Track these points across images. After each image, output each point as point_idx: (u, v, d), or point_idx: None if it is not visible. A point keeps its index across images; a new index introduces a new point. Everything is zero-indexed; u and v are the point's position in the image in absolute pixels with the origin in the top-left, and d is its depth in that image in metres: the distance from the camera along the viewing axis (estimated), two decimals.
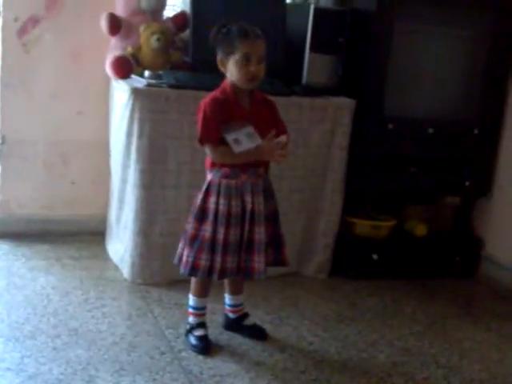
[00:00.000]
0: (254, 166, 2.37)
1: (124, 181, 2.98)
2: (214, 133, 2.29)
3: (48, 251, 3.23)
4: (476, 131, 3.29)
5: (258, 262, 2.37)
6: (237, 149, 2.28)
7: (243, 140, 2.28)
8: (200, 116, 2.31)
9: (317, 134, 3.10)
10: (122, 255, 3.03)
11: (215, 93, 2.34)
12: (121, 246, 3.05)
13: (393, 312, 2.97)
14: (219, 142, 2.31)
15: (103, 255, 3.24)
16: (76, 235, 3.39)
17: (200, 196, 2.37)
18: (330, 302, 3.00)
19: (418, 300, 3.11)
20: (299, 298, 3.00)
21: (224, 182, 2.35)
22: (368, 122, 3.15)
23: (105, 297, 2.80)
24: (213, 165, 2.36)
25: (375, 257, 3.25)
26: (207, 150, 2.34)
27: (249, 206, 2.36)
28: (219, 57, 2.32)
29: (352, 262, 3.28)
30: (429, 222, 3.40)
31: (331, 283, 3.21)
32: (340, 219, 3.24)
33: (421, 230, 3.36)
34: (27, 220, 3.35)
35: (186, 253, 2.38)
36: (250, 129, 2.30)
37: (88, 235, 3.40)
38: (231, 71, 2.30)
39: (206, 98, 2.33)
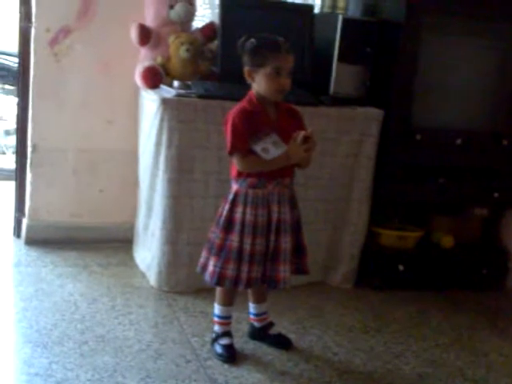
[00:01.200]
0: (279, 175, 2.38)
1: (152, 189, 3.01)
2: (243, 143, 2.32)
3: (76, 258, 3.27)
4: (505, 142, 3.27)
5: (284, 271, 2.39)
6: (266, 157, 2.31)
7: (270, 148, 2.31)
8: (229, 127, 2.33)
9: (344, 144, 3.11)
10: (149, 263, 3.06)
11: (243, 104, 2.37)
12: (148, 253, 3.08)
13: (419, 323, 2.95)
14: (248, 152, 2.33)
15: (130, 263, 3.27)
16: (103, 243, 3.43)
17: (226, 206, 2.39)
18: (355, 313, 2.99)
19: (444, 312, 3.10)
20: (324, 308, 3.01)
21: (250, 191, 2.36)
22: (395, 133, 3.15)
23: (131, 304, 2.83)
24: (239, 174, 2.38)
25: (401, 268, 3.24)
26: (236, 159, 2.36)
27: (275, 216, 2.38)
28: (247, 67, 2.34)
29: (378, 272, 3.27)
30: (456, 234, 3.38)
31: (356, 293, 3.20)
32: (366, 229, 3.23)
33: (448, 241, 3.35)
34: (56, 227, 3.40)
35: (212, 262, 2.40)
36: (275, 137, 2.33)
37: (115, 243, 3.43)
38: (260, 83, 2.32)
39: (234, 109, 2.35)
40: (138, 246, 3.28)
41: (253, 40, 2.33)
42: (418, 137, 3.15)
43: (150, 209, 3.06)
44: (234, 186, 2.40)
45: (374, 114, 3.13)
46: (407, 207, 3.41)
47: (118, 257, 3.33)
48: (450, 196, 3.32)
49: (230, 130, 2.32)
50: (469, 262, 3.38)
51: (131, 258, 3.31)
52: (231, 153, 2.35)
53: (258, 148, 2.31)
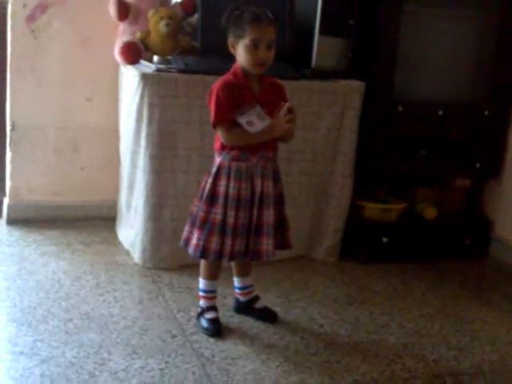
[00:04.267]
0: (263, 148, 2.38)
1: (134, 166, 2.99)
2: (227, 115, 2.30)
3: (59, 237, 3.24)
4: (486, 113, 3.28)
5: (267, 244, 2.39)
6: (251, 130, 2.30)
7: (255, 121, 2.30)
8: (212, 100, 2.32)
9: (327, 118, 3.09)
10: (132, 240, 3.04)
11: (227, 76, 2.35)
12: (131, 231, 3.06)
13: (403, 294, 2.97)
14: (232, 125, 2.31)
15: (114, 240, 3.25)
16: (86, 221, 3.40)
17: (209, 179, 2.38)
18: (339, 285, 3.01)
19: (428, 282, 3.11)
20: (309, 281, 3.01)
21: (234, 164, 2.35)
22: (378, 105, 3.15)
23: (116, 281, 2.82)
24: (222, 147, 2.37)
25: (385, 240, 3.25)
26: (221, 132, 2.34)
27: (258, 189, 2.37)
28: (230, 39, 2.33)
29: (362, 245, 3.28)
30: (439, 205, 3.39)
31: (341, 266, 3.21)
32: (350, 203, 3.24)
33: (431, 212, 3.35)
34: (38, 206, 3.37)
35: (195, 235, 2.39)
36: (259, 109, 2.32)
37: (98, 221, 3.41)
38: (240, 55, 2.31)
39: (218, 82, 2.34)
40: (121, 223, 3.26)
41: (236, 11, 2.31)
42: (400, 108, 3.14)
43: (132, 186, 3.04)
44: (217, 159, 2.39)
45: (356, 86, 3.12)
46: (391, 180, 3.40)
47: (102, 235, 3.31)
48: (432, 167, 3.34)
49: (214, 102, 2.31)
50: (452, 232, 3.40)
51: (114, 236, 3.29)
52: (215, 125, 2.34)
53: (242, 121, 2.29)
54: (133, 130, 2.93)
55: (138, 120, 2.87)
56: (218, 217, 2.35)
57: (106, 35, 3.21)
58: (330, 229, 3.23)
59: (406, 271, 3.22)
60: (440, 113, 3.20)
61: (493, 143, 3.38)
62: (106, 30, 3.21)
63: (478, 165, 3.36)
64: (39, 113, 3.30)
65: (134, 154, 2.96)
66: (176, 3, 3.25)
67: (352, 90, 3.11)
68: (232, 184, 2.35)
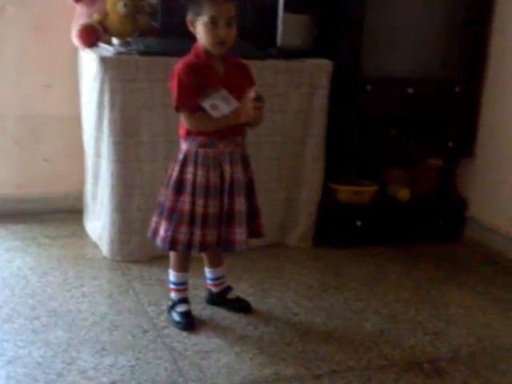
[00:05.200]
0: (231, 134, 2.29)
1: (98, 155, 2.89)
2: (190, 99, 2.21)
3: (24, 231, 3.13)
4: (457, 89, 3.22)
5: (240, 233, 2.31)
6: (215, 114, 2.20)
7: (220, 104, 2.21)
8: (174, 82, 2.22)
9: (295, 98, 3.01)
10: (100, 233, 2.95)
11: (188, 57, 2.25)
12: (98, 223, 2.97)
13: (378, 279, 2.92)
14: (196, 109, 2.22)
15: (81, 233, 3.15)
16: (52, 214, 3.29)
17: (176, 167, 2.29)
18: (314, 272, 2.95)
19: (403, 266, 3.07)
20: (283, 269, 2.96)
21: (201, 151, 2.26)
22: (346, 84, 3.07)
23: (84, 276, 2.72)
24: (188, 133, 2.28)
25: (359, 223, 3.19)
26: (184, 117, 2.25)
27: (228, 176, 2.29)
28: (189, 17, 2.23)
29: (335, 229, 3.22)
30: (412, 186, 3.34)
31: (315, 252, 3.16)
32: (322, 186, 3.17)
33: (404, 194, 3.30)
34: (1, 200, 3.25)
35: (163, 226, 2.30)
36: (225, 92, 2.23)
37: (65, 213, 3.30)
38: (200, 33, 2.21)
39: (179, 63, 2.24)
40: (88, 215, 3.16)
41: None
42: (369, 87, 3.07)
43: (96, 176, 2.94)
44: (183, 146, 2.30)
45: (324, 65, 3.04)
46: (362, 161, 3.34)
47: (68, 228, 3.21)
48: (403, 147, 3.28)
49: (176, 85, 2.21)
50: (425, 213, 3.36)
51: (82, 229, 3.19)
52: (178, 109, 2.24)
53: (206, 104, 2.20)
54: (95, 116, 2.82)
55: (99, 106, 2.77)
56: (187, 206, 2.26)
57: (63, 19, 3.08)
58: (302, 214, 3.17)
59: (381, 255, 3.17)
60: (409, 90, 3.13)
61: (465, 120, 3.32)
62: (63, 13, 3.08)
63: (450, 143, 3.30)
64: None
65: (97, 142, 2.86)
66: None
67: (319, 69, 3.03)
68: (200, 172, 2.26)
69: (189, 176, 2.26)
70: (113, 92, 2.70)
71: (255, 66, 2.62)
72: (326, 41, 3.10)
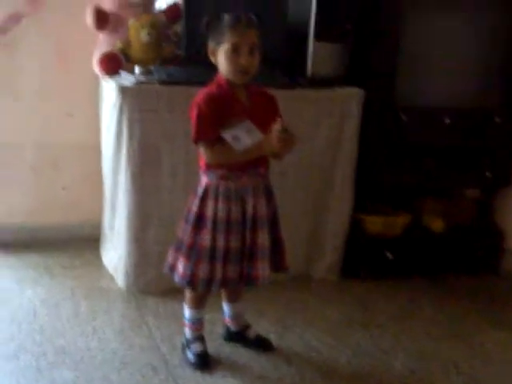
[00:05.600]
0: (254, 165, 2.17)
1: (115, 185, 2.81)
2: (210, 130, 2.09)
3: (37, 261, 3.04)
4: (497, 119, 3.07)
5: (263, 268, 2.19)
6: (237, 146, 2.08)
7: (243, 136, 2.08)
8: (194, 113, 2.11)
9: (324, 128, 2.91)
10: (116, 263, 2.85)
11: (210, 87, 2.15)
12: (115, 253, 2.88)
13: (408, 314, 2.76)
14: (216, 141, 2.11)
15: (97, 263, 3.05)
16: (68, 243, 3.20)
17: (196, 200, 2.17)
18: (340, 306, 2.79)
19: (436, 300, 2.91)
20: (307, 303, 2.81)
21: (222, 184, 2.15)
22: (379, 113, 2.96)
23: (97, 309, 2.62)
24: (208, 166, 2.16)
25: (389, 255, 3.04)
26: (203, 149, 2.13)
27: (250, 211, 2.17)
28: (210, 45, 2.13)
29: (364, 261, 3.07)
30: (447, 217, 3.19)
31: (342, 285, 3.00)
32: (350, 217, 3.04)
33: (438, 225, 3.15)
34: (16, 229, 3.18)
35: (182, 263, 2.19)
36: (249, 123, 2.11)
37: (81, 242, 3.20)
38: (221, 62, 2.11)
39: (200, 94, 2.13)
40: (105, 245, 3.07)
41: (214, 19, 2.11)
42: (403, 116, 2.95)
43: (114, 206, 2.86)
44: (204, 179, 2.18)
45: (355, 94, 2.93)
46: (394, 191, 3.19)
47: (84, 257, 3.12)
48: (439, 178, 3.13)
49: (196, 116, 2.10)
50: (461, 245, 3.19)
51: (98, 259, 3.09)
52: (196, 141, 2.13)
53: (228, 136, 2.08)
54: (113, 146, 2.75)
55: (118, 136, 2.69)
56: (207, 242, 2.14)
57: (86, 46, 3.02)
58: (329, 246, 3.04)
59: (413, 288, 3.00)
60: (447, 120, 3.00)
61: (503, 150, 3.16)
62: (85, 40, 3.02)
63: (488, 174, 3.14)
64: (15, 130, 3.11)
65: (115, 172, 2.78)
66: (159, 11, 3.08)
67: (350, 98, 2.92)
68: (221, 206, 2.14)
69: (209, 211, 2.15)
70: (131, 122, 2.63)
71: (283, 96, 2.53)
72: (358, 68, 2.99)
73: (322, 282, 3.01)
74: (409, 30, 2.90)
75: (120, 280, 2.80)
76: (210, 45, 2.13)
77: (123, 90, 2.62)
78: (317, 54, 2.92)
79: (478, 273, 3.20)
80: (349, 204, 3.02)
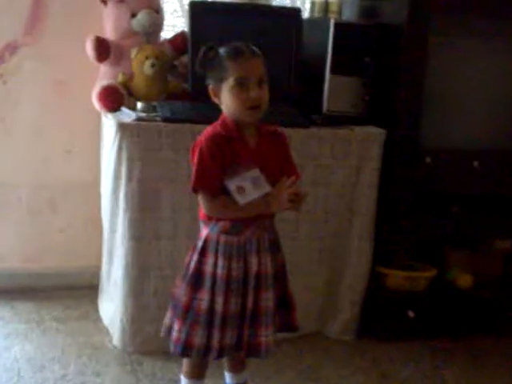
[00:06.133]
0: (258, 217, 1.92)
1: (113, 231, 2.57)
2: (212, 179, 1.85)
3: (30, 312, 2.79)
4: None
5: (266, 335, 1.93)
6: (241, 200, 1.84)
7: (248, 187, 1.84)
8: (195, 157, 1.87)
9: (341, 171, 2.66)
10: (111, 317, 2.61)
11: (214, 127, 1.90)
12: (111, 305, 2.63)
13: (433, 382, 2.48)
14: (218, 191, 1.87)
15: (94, 315, 2.80)
16: (65, 291, 2.96)
17: (194, 256, 1.93)
18: (357, 372, 2.52)
19: (464, 366, 2.63)
20: (319, 368, 2.53)
21: (223, 238, 1.90)
22: (401, 156, 2.71)
23: (87, 371, 2.36)
24: (209, 217, 1.92)
25: (411, 314, 2.77)
26: (202, 200, 1.89)
27: (253, 268, 1.92)
28: (211, 86, 1.89)
29: (384, 320, 2.79)
30: (475, 271, 2.92)
31: (359, 346, 2.73)
32: (369, 270, 2.77)
33: (465, 280, 2.89)
34: (9, 274, 2.95)
35: (176, 327, 1.93)
36: (256, 172, 1.86)
37: (79, 291, 2.96)
38: (226, 102, 1.87)
39: (203, 135, 1.89)
40: (102, 295, 2.82)
41: (211, 52, 1.88)
42: (428, 159, 2.71)
43: (111, 253, 2.62)
44: (204, 231, 1.94)
45: (375, 134, 2.69)
46: (417, 241, 2.93)
47: (81, 308, 2.86)
48: (467, 228, 2.86)
49: (197, 162, 1.86)
50: (491, 303, 2.90)
51: (95, 310, 2.83)
52: (196, 191, 1.89)
53: (232, 185, 1.84)
54: (111, 187, 2.51)
55: (116, 177, 2.45)
56: (204, 304, 1.89)
57: (86, 78, 2.81)
58: (346, 301, 2.77)
59: (437, 352, 2.72)
60: (475, 164, 2.75)
61: None
62: (86, 72, 2.82)
63: None
64: (10, 168, 2.90)
65: (113, 216, 2.54)
66: (165, 40, 2.87)
67: (370, 139, 2.68)
68: (221, 263, 1.89)
69: (208, 268, 1.90)
70: (131, 161, 2.40)
71: (297, 135, 2.40)
72: (379, 106, 2.76)
73: (336, 343, 2.73)
74: (435, 61, 2.67)
75: (115, 337, 2.55)
76: (210, 84, 1.89)
77: (122, 127, 2.39)
78: (333, 89, 2.71)
79: (509, 335, 2.90)
80: (368, 256, 2.75)
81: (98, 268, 2.84)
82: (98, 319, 2.76)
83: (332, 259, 2.74)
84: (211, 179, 1.86)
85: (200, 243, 1.93)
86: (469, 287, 2.89)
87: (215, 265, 1.89)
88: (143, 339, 2.49)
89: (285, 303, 2.02)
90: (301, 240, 2.61)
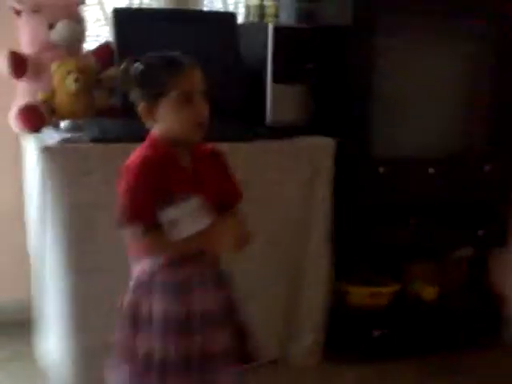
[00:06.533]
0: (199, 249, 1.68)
1: (42, 264, 2.30)
2: (146, 209, 1.60)
3: None
4: (487, 168, 2.69)
5: (226, 379, 1.70)
6: (175, 234, 1.60)
7: (184, 221, 1.60)
8: (123, 185, 1.62)
9: (291, 186, 2.48)
10: (51, 358, 2.32)
11: (144, 150, 1.64)
12: (47, 345, 2.35)
13: None
14: (152, 224, 1.61)
15: (28, 356, 2.48)
16: None
17: (128, 297, 1.68)
18: None
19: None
20: None
21: (160, 275, 1.65)
22: (353, 166, 2.56)
23: None
24: (141, 252, 1.68)
25: (377, 333, 2.62)
26: (133, 236, 1.64)
27: (197, 309, 1.67)
28: (142, 104, 1.64)
29: (349, 341, 2.64)
30: (438, 282, 2.80)
31: (324, 371, 2.54)
32: (330, 288, 2.60)
33: (429, 292, 2.76)
34: None
35: (115, 373, 1.70)
36: (196, 202, 1.63)
37: (9, 328, 2.65)
38: (165, 119, 1.62)
39: (131, 159, 1.64)
40: (37, 332, 2.49)
41: (138, 64, 1.64)
42: (381, 169, 2.57)
43: (42, 288, 2.34)
44: (136, 268, 1.69)
45: (325, 144, 2.52)
46: (376, 254, 2.77)
47: (11, 347, 2.57)
48: (426, 238, 2.73)
49: (125, 190, 1.61)
50: (457, 314, 2.78)
51: (29, 349, 2.50)
52: (124, 224, 1.63)
53: (164, 217, 1.60)
54: (37, 218, 2.25)
55: (42, 206, 2.19)
56: (143, 351, 1.63)
57: (2, 97, 2.54)
58: (307, 323, 2.58)
59: (407, 371, 2.56)
60: (431, 171, 2.62)
61: (496, 204, 2.79)
62: (2, 90, 2.55)
63: (480, 231, 2.76)
64: None
65: (41, 249, 2.27)
66: (88, 52, 2.63)
67: (320, 149, 2.51)
68: (159, 303, 1.64)
69: (144, 310, 1.65)
70: (57, 189, 2.14)
71: (240, 150, 2.26)
72: (325, 114, 2.61)
73: (300, 370, 2.54)
74: (382, 65, 2.53)
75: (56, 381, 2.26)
76: (142, 103, 1.63)
77: (45, 150, 2.13)
78: (276, 99, 2.55)
79: (478, 346, 2.76)
80: (327, 273, 2.57)
81: (28, 302, 2.50)
82: (34, 360, 2.45)
83: (289, 279, 2.55)
84: (144, 210, 1.60)
85: (133, 282, 1.68)
86: (433, 299, 2.76)
87: (151, 306, 1.65)
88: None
89: (240, 335, 1.78)
90: (255, 261, 2.38)
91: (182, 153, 1.66)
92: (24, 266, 2.51)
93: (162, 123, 1.63)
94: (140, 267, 1.67)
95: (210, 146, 1.74)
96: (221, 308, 1.71)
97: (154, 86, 1.61)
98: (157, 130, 1.65)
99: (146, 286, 1.65)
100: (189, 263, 1.65)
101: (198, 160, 1.68)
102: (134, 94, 1.65)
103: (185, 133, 1.63)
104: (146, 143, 1.66)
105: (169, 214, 1.59)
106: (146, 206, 1.59)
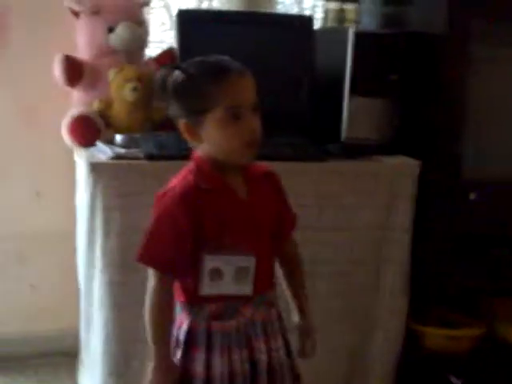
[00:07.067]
0: (259, 290, 1.48)
1: (89, 294, 2.13)
2: (166, 252, 1.41)
3: None
4: None
5: None
6: (208, 288, 1.41)
7: (227, 275, 1.40)
8: (152, 219, 1.43)
9: (366, 212, 2.28)
10: None
11: (186, 177, 1.43)
12: (91, 381, 2.19)
13: None
14: (172, 271, 1.42)
15: None
16: (39, 359, 2.55)
17: (177, 351, 1.46)
18: None
19: None
20: None
21: (216, 326, 1.44)
22: (439, 191, 2.33)
23: None
24: (190, 298, 1.47)
25: (455, 380, 2.37)
26: (151, 277, 1.44)
27: (263, 359, 1.47)
28: (183, 120, 1.42)
29: None
30: None
31: None
32: (404, 330, 2.37)
33: None
34: None
35: None
36: (248, 261, 1.43)
37: (55, 358, 2.54)
38: (213, 139, 1.40)
39: (169, 187, 1.44)
40: (82, 365, 2.37)
41: (178, 73, 1.41)
42: (472, 195, 2.34)
43: (88, 320, 2.18)
44: (184, 317, 1.47)
45: (408, 166, 2.32)
46: (459, 291, 2.52)
47: (57, 380, 2.43)
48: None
49: (152, 225, 1.42)
50: None
51: (74, 381, 2.38)
52: (142, 260, 1.44)
53: (208, 263, 1.39)
54: (85, 243, 2.08)
55: (91, 230, 2.03)
56: None
57: (58, 105, 2.40)
58: (376, 366, 2.38)
59: None
60: None
61: None
62: (57, 98, 2.42)
63: None
64: None
65: (88, 277, 2.11)
66: (150, 59, 2.47)
67: (401, 172, 2.31)
68: (217, 358, 1.43)
69: (198, 367, 1.43)
70: (108, 211, 1.98)
71: (311, 170, 2.13)
72: (410, 132, 2.40)
73: None
74: (478, 78, 2.31)
75: None
76: (183, 120, 1.42)
77: (95, 168, 1.97)
78: (354, 113, 2.37)
79: None
80: (402, 314, 2.35)
81: (76, 330, 2.36)
82: None
83: (358, 318, 2.34)
84: (163, 252, 1.41)
85: (182, 336, 1.46)
86: None
87: (208, 362, 1.44)
88: None
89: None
90: (320, 297, 2.17)
91: (233, 176, 1.44)
92: (74, 288, 2.35)
93: (209, 143, 1.42)
94: (189, 317, 1.46)
95: (263, 167, 1.52)
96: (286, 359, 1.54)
97: (196, 99, 1.39)
98: (201, 150, 1.43)
99: (199, 339, 1.45)
100: (248, 307, 1.48)
101: (251, 185, 1.46)
102: (173, 109, 1.43)
103: (233, 156, 1.41)
104: (189, 167, 1.45)
105: (214, 262, 1.39)
106: (167, 248, 1.40)
